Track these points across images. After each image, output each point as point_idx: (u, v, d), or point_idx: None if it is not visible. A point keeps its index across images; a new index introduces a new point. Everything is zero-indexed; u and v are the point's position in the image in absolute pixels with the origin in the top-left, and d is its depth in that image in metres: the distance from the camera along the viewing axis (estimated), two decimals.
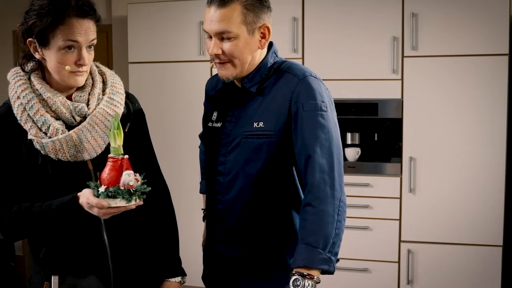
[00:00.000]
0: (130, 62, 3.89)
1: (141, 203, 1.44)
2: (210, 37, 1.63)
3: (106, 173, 1.42)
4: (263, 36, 1.65)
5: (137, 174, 1.45)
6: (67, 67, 1.51)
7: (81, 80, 1.57)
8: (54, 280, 1.58)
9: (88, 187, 1.45)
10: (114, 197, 1.39)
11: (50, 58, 1.52)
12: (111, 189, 1.39)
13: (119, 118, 1.60)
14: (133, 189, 1.41)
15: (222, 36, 1.60)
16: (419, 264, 3.39)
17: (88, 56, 1.55)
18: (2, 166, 1.55)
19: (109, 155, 1.43)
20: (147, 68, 3.86)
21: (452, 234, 3.32)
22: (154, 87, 3.83)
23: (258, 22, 1.61)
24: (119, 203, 1.40)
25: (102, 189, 1.40)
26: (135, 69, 3.87)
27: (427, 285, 3.38)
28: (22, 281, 4.17)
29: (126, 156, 1.44)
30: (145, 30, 3.84)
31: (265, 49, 1.71)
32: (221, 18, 1.57)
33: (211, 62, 1.69)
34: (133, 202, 1.42)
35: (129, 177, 1.41)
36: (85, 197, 1.44)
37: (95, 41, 1.56)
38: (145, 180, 1.46)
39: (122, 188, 1.40)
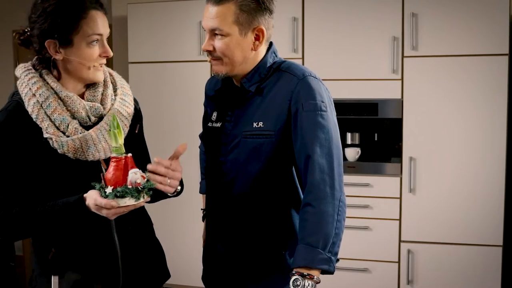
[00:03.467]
0: (130, 62, 3.90)
1: (149, 199, 1.44)
2: None
3: (111, 173, 1.41)
4: (257, 38, 1.65)
5: (140, 171, 1.44)
6: (95, 64, 1.53)
7: (102, 75, 1.59)
8: (54, 280, 1.58)
9: (93, 188, 1.44)
10: (122, 196, 1.38)
11: (74, 56, 1.51)
12: (118, 189, 1.38)
13: (131, 119, 1.64)
14: (141, 186, 1.40)
15: (214, 32, 1.61)
16: (419, 264, 3.39)
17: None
18: (7, 166, 1.50)
19: (112, 155, 1.43)
20: (147, 68, 3.87)
21: (452, 234, 3.32)
22: (154, 87, 3.83)
23: (252, 24, 1.62)
24: (128, 202, 1.39)
25: (109, 189, 1.39)
26: (135, 69, 3.87)
27: (427, 285, 3.38)
28: (22, 281, 4.17)
29: (130, 155, 1.43)
30: (145, 30, 3.84)
31: (264, 49, 1.71)
32: (215, 15, 1.60)
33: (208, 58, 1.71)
34: (141, 200, 1.41)
35: (136, 175, 1.40)
36: (92, 198, 1.42)
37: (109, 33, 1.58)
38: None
39: (130, 186, 1.39)
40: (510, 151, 3.37)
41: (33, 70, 1.57)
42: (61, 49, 1.51)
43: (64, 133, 1.52)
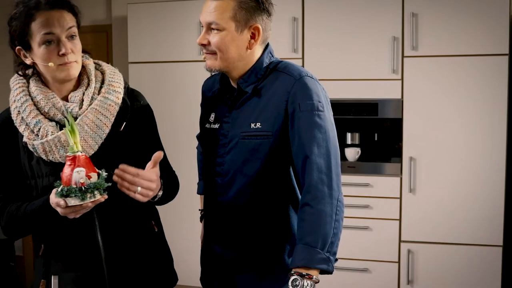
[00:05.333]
0: (130, 62, 3.90)
1: (101, 200, 1.42)
2: None
3: (63, 172, 1.42)
4: (253, 37, 1.65)
5: (101, 171, 1.44)
6: (50, 64, 1.52)
7: (72, 72, 1.56)
8: (54, 280, 1.58)
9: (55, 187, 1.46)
10: (68, 195, 1.39)
11: (36, 59, 1.54)
12: (65, 188, 1.39)
13: (115, 115, 1.61)
14: (85, 186, 1.39)
15: (211, 27, 1.62)
16: (419, 264, 3.39)
17: (71, 45, 1.54)
18: (1, 168, 1.59)
19: (67, 154, 1.44)
20: (147, 68, 3.87)
21: (452, 234, 3.32)
22: (154, 87, 3.83)
23: (249, 22, 1.62)
24: (73, 201, 1.39)
25: (59, 188, 1.41)
26: (135, 69, 3.87)
27: (427, 285, 3.38)
28: (22, 281, 4.17)
29: (79, 154, 1.43)
30: (145, 30, 3.85)
31: (260, 50, 1.70)
32: (214, 9, 1.60)
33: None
34: (87, 200, 1.40)
35: (79, 175, 1.39)
36: (50, 197, 1.46)
37: (74, 29, 1.55)
38: (106, 176, 1.44)
39: (74, 186, 1.39)
40: (510, 151, 3.37)
41: (21, 78, 1.62)
42: (27, 54, 1.56)
43: (38, 136, 1.54)
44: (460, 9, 3.24)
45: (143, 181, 1.49)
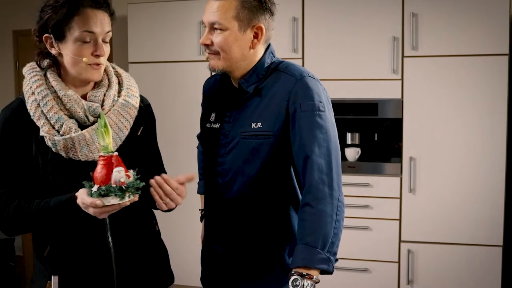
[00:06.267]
0: (130, 62, 3.90)
1: (136, 199, 1.43)
2: None
3: (97, 172, 1.41)
4: (256, 36, 1.65)
5: (131, 170, 1.43)
6: (84, 59, 1.51)
7: (97, 75, 1.57)
8: (54, 280, 1.57)
9: (83, 186, 1.44)
10: (106, 195, 1.38)
11: (67, 51, 1.52)
12: (103, 187, 1.38)
13: (133, 121, 1.62)
14: (125, 185, 1.39)
15: (214, 27, 1.62)
16: (419, 264, 3.39)
17: (105, 48, 1.55)
18: (8, 161, 1.54)
19: (100, 154, 1.43)
20: (147, 68, 3.87)
21: (452, 234, 3.32)
22: (154, 87, 3.83)
23: (252, 22, 1.62)
24: (112, 201, 1.39)
25: (95, 188, 1.39)
26: (135, 69, 3.87)
27: (427, 285, 3.38)
28: (22, 281, 4.17)
29: (116, 153, 1.42)
30: (145, 30, 3.85)
31: (262, 49, 1.71)
32: (216, 9, 1.61)
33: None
34: (126, 199, 1.40)
35: (120, 174, 1.39)
36: (80, 197, 1.43)
37: (110, 34, 1.56)
38: (139, 176, 1.44)
39: (114, 185, 1.38)
40: (510, 151, 3.37)
41: (38, 69, 1.59)
42: (56, 44, 1.54)
43: (59, 132, 1.52)
44: (460, 9, 3.24)
45: (177, 196, 1.53)
